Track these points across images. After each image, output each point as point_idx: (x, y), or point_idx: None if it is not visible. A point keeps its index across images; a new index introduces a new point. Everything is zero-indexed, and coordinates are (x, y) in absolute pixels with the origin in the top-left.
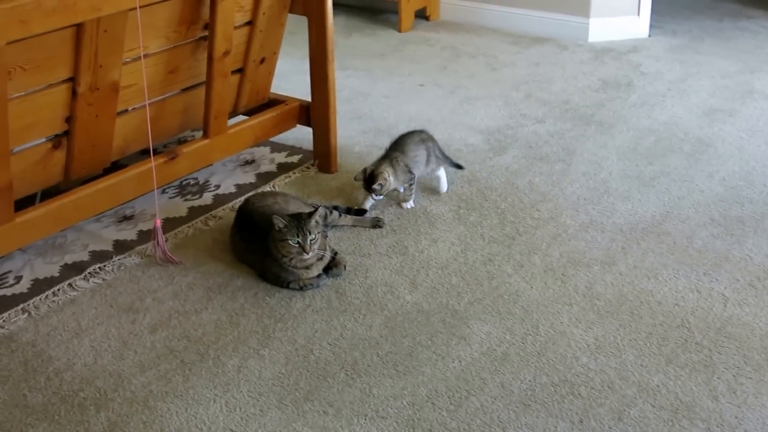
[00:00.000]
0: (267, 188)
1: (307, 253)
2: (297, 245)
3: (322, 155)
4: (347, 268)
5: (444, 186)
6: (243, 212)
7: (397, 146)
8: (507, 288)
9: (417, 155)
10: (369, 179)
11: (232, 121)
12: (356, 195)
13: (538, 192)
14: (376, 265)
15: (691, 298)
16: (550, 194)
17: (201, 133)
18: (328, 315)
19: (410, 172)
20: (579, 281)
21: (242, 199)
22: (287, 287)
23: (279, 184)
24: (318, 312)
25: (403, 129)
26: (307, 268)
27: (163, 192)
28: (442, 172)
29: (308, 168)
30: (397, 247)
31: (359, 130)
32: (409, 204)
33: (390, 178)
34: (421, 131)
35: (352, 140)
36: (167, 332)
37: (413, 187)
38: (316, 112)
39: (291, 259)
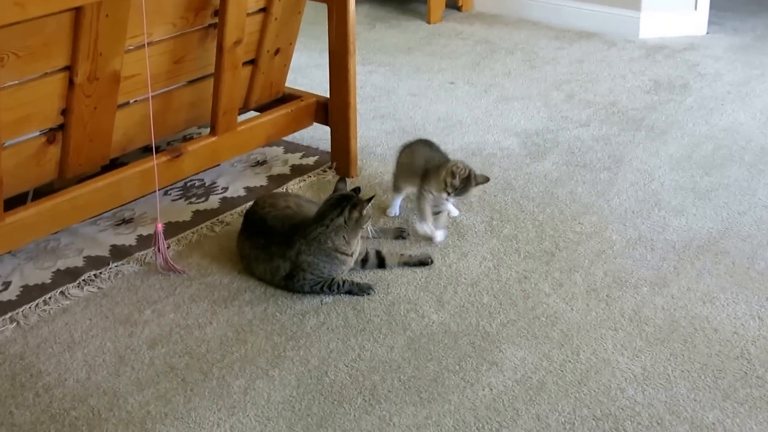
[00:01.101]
0: (279, 191)
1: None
2: (371, 217)
3: (341, 157)
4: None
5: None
6: (252, 217)
7: (429, 153)
8: (544, 309)
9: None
10: (466, 179)
11: (242, 118)
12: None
13: (581, 203)
14: (399, 280)
15: (752, 325)
16: (593, 206)
17: (208, 129)
18: (344, 334)
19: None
20: (625, 304)
21: (252, 202)
22: (331, 290)
23: (292, 188)
24: (333, 330)
25: (431, 131)
26: (351, 255)
27: (166, 194)
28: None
29: (325, 171)
30: None
31: (382, 130)
32: (441, 234)
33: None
34: (422, 140)
35: (373, 141)
36: (168, 348)
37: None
38: (334, 109)
39: (346, 251)
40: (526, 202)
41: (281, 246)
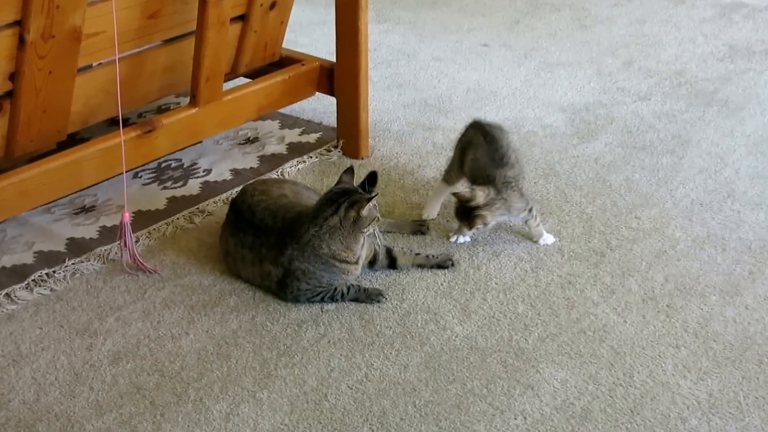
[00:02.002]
0: (273, 176)
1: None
2: (378, 220)
3: (349, 134)
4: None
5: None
6: (240, 207)
7: (495, 160)
8: (591, 321)
9: (520, 167)
10: (465, 213)
11: (229, 85)
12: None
13: (638, 193)
14: (416, 284)
15: None
16: (654, 197)
17: (188, 99)
18: (349, 349)
19: (524, 195)
20: (690, 316)
21: (239, 189)
22: (333, 299)
23: (290, 172)
24: (336, 344)
25: (458, 104)
26: (356, 262)
27: (135, 176)
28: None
29: (330, 151)
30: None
31: (399, 102)
32: (547, 239)
33: (493, 219)
34: (492, 124)
35: (389, 116)
36: (134, 364)
37: (534, 214)
38: (342, 76)
39: (347, 258)
40: (573, 191)
41: (272, 249)
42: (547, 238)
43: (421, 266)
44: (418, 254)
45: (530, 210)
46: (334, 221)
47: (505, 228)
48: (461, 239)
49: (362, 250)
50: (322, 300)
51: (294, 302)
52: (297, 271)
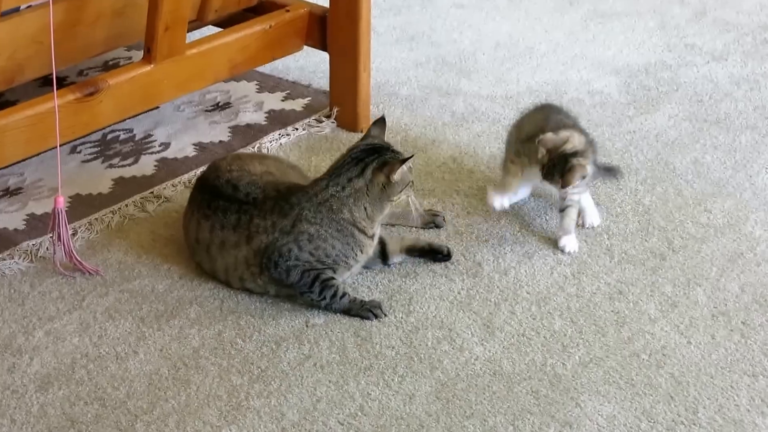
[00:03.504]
0: (249, 151)
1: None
2: (412, 184)
3: (346, 100)
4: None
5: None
6: (215, 184)
7: (561, 115)
8: (647, 342)
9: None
10: (558, 163)
11: (194, 36)
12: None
13: (710, 180)
14: (426, 292)
15: None
16: (729, 184)
17: (141, 53)
18: (340, 374)
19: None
20: None
21: (207, 166)
22: (322, 294)
23: (270, 147)
24: (324, 368)
25: (484, 62)
26: (372, 237)
27: (74, 151)
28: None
29: (320, 121)
30: (463, 262)
31: (410, 60)
32: (571, 243)
33: (590, 170)
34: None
35: (396, 77)
36: (68, 390)
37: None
38: (337, 26)
39: (366, 229)
40: (627, 176)
41: (269, 216)
42: (573, 243)
43: (410, 252)
44: (405, 236)
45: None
46: (359, 184)
47: (541, 221)
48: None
49: (378, 228)
50: (312, 285)
51: (282, 277)
52: (301, 236)
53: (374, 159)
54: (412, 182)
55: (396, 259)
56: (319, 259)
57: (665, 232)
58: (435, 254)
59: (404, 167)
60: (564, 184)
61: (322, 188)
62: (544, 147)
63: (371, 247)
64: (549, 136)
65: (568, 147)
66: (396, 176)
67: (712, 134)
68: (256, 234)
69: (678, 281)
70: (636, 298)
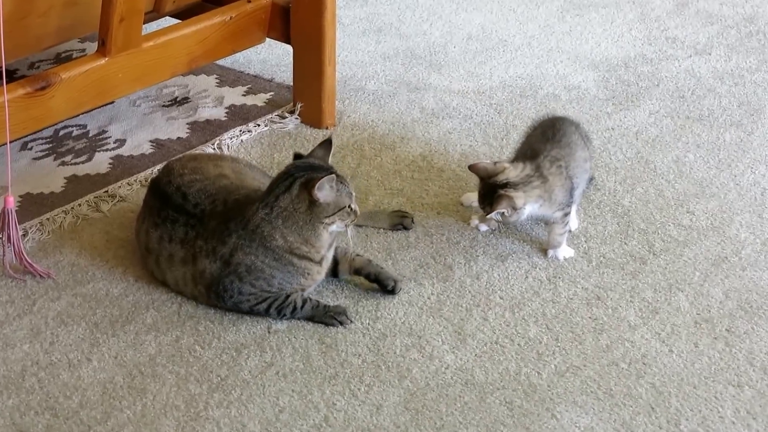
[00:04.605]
0: (208, 150)
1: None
2: (351, 212)
3: (310, 95)
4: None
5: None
6: (165, 190)
7: (547, 135)
8: (626, 350)
9: (582, 158)
10: (487, 192)
11: (151, 27)
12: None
13: (692, 179)
14: (394, 297)
15: None
16: (713, 184)
17: (95, 46)
18: (304, 383)
19: (572, 190)
20: (756, 344)
21: (163, 166)
22: (281, 313)
23: (230, 144)
24: (287, 376)
25: (456, 55)
26: (320, 262)
27: (23, 148)
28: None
29: (283, 117)
30: (433, 266)
31: (377, 53)
32: (563, 251)
33: (527, 203)
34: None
35: (363, 71)
36: (17, 399)
37: (569, 219)
38: (301, 17)
39: (307, 254)
40: (605, 176)
41: (211, 238)
42: (564, 251)
43: (357, 272)
44: (359, 256)
45: (566, 213)
46: (285, 201)
47: (513, 225)
48: (482, 227)
49: (329, 249)
50: (267, 311)
51: (233, 310)
52: (240, 267)
53: (303, 175)
54: (355, 211)
55: (345, 276)
56: (262, 289)
57: (646, 234)
58: (380, 285)
59: (327, 184)
60: (486, 211)
61: (253, 212)
62: (476, 175)
63: (320, 273)
64: (481, 164)
65: (500, 177)
66: (320, 195)
67: (695, 132)
68: (200, 255)
69: (659, 286)
70: (615, 304)
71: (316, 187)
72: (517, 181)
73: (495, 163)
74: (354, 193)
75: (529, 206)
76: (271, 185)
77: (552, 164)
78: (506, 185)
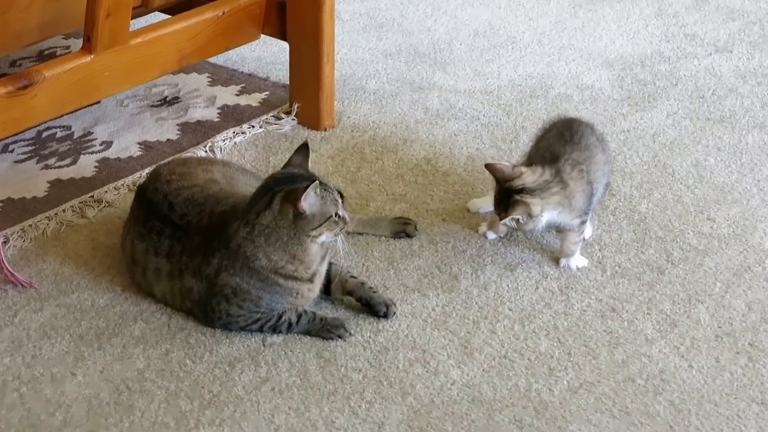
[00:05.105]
0: (199, 153)
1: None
2: (339, 220)
3: (307, 94)
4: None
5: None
6: (152, 198)
7: (564, 137)
8: (643, 365)
9: (602, 161)
10: (503, 196)
11: (139, 23)
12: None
13: (713, 184)
14: (397, 309)
15: None
16: (735, 189)
17: (80, 42)
18: (301, 399)
19: (591, 196)
20: None
21: (151, 170)
22: (276, 330)
23: (223, 147)
24: (283, 393)
25: (462, 53)
26: (311, 279)
27: (5, 150)
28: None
29: (279, 118)
30: (438, 276)
31: (379, 50)
32: (577, 260)
33: (545, 210)
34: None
35: (364, 69)
36: None
37: (585, 227)
38: (298, 12)
39: (295, 273)
40: (620, 180)
41: (195, 255)
42: (578, 260)
43: (349, 294)
44: (353, 277)
45: (584, 221)
46: (267, 218)
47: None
48: (490, 235)
49: (321, 263)
50: (261, 330)
51: (224, 329)
52: (226, 289)
53: (283, 188)
54: (343, 218)
55: (337, 296)
56: (250, 310)
57: (663, 242)
58: (371, 310)
59: (312, 192)
60: (501, 217)
61: (235, 231)
62: (492, 175)
63: (312, 290)
64: (499, 165)
65: (517, 182)
66: (305, 205)
67: (716, 134)
68: (186, 271)
69: (678, 298)
70: (631, 317)
71: (302, 198)
72: (534, 186)
73: (513, 167)
74: (340, 199)
75: (547, 213)
76: (251, 201)
77: (573, 168)
78: (522, 190)
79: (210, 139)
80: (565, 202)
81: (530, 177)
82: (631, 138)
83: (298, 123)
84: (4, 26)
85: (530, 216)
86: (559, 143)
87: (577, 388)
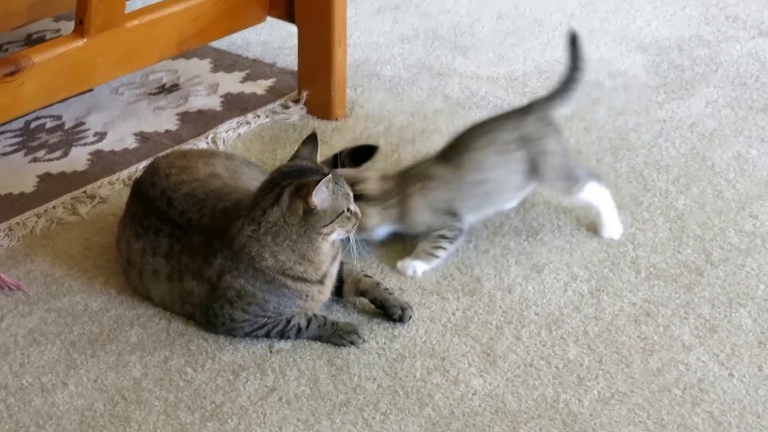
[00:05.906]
0: (200, 145)
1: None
2: (351, 216)
3: (317, 82)
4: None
5: (609, 229)
6: (149, 193)
7: (446, 147)
8: (681, 374)
9: (492, 169)
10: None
11: (135, 4)
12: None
13: (755, 178)
14: (414, 313)
15: None
16: None
17: (71, 25)
18: (311, 410)
19: (452, 213)
20: None
21: (148, 164)
22: (285, 336)
23: (226, 138)
24: (291, 403)
25: (484, 36)
26: (322, 281)
27: None
28: (593, 192)
29: (287, 107)
30: (459, 277)
31: (395, 34)
32: (416, 267)
33: (377, 221)
34: (520, 110)
35: (379, 54)
36: None
37: (449, 243)
38: None
39: (303, 274)
40: (655, 174)
41: (196, 256)
42: (419, 266)
43: (363, 295)
44: (368, 276)
45: (442, 235)
46: (274, 215)
47: (552, 228)
48: (409, 270)
49: (332, 264)
50: (267, 336)
51: (227, 336)
52: (229, 292)
53: (291, 182)
54: (355, 213)
55: (350, 297)
56: (256, 314)
57: (702, 241)
58: (386, 313)
59: (323, 187)
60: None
61: (239, 229)
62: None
63: (323, 293)
64: (343, 171)
65: (357, 188)
66: (316, 200)
67: (759, 124)
68: (186, 273)
69: (717, 301)
70: (667, 322)
71: (313, 193)
72: (375, 195)
73: (361, 170)
74: (351, 193)
75: (382, 228)
76: (256, 197)
77: (416, 182)
78: (359, 197)
79: (212, 130)
80: (399, 218)
81: (372, 183)
82: (667, 128)
83: (307, 112)
84: None
85: (366, 228)
86: (437, 153)
87: (608, 398)
